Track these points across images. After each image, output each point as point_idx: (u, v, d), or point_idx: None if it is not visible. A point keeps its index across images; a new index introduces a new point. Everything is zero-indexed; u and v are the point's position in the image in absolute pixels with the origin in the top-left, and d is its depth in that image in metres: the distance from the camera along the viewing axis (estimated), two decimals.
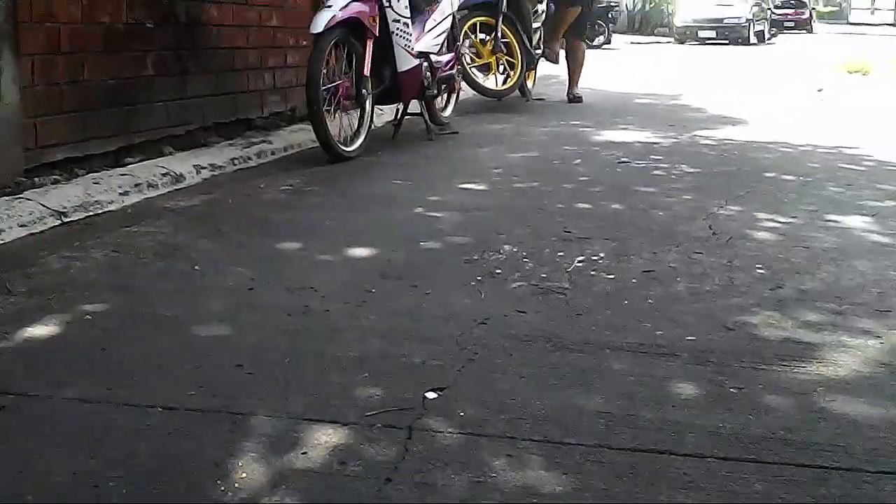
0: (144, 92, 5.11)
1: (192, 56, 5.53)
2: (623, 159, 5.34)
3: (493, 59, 8.04)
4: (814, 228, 3.71)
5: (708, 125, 7.10)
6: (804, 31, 39.91)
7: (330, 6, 5.03)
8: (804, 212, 3.99)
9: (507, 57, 8.12)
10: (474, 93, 8.02)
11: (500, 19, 7.95)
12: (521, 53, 8.11)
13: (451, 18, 6.35)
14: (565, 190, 4.44)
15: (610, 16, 26.27)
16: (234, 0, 5.99)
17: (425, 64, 5.91)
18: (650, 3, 35.49)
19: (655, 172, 4.96)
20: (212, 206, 4.03)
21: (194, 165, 4.68)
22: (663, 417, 1.99)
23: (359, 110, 5.37)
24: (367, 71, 5.26)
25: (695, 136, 6.47)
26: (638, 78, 12.51)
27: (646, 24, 35.01)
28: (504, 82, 8.13)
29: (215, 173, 4.76)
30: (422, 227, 3.67)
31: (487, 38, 8.07)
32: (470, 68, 7.84)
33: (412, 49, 5.62)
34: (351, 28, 5.18)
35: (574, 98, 8.78)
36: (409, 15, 5.54)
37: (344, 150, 5.16)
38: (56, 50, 4.44)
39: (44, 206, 3.65)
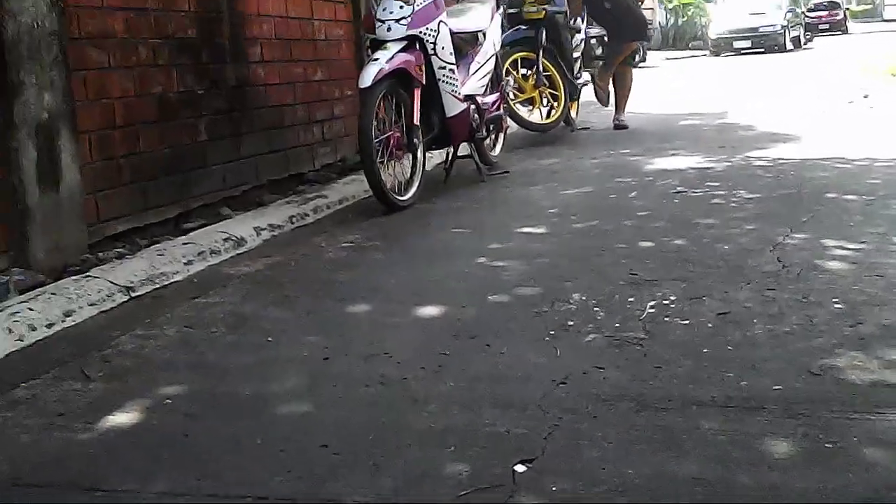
0: (199, 157, 5.17)
1: (243, 117, 5.60)
2: (679, 188, 5.30)
3: (536, 94, 8.05)
4: (885, 254, 3.64)
5: (758, 144, 7.03)
6: (839, 32, 39.58)
7: (377, 59, 5.07)
8: (873, 235, 3.92)
9: (549, 90, 8.12)
10: (520, 128, 8.01)
11: (541, 53, 7.96)
12: (563, 85, 8.11)
13: (494, 59, 6.36)
14: (626, 227, 4.40)
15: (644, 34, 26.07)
16: (280, 58, 6.06)
17: (472, 107, 5.92)
18: (683, 17, 35.38)
19: (714, 201, 4.91)
20: (276, 269, 4.05)
21: (254, 227, 4.71)
22: (761, 481, 1.95)
23: (411, 158, 5.39)
24: (416, 120, 5.29)
25: (747, 157, 6.41)
26: (678, 96, 12.47)
27: (680, 38, 34.92)
28: (548, 115, 8.12)
29: (275, 233, 4.79)
30: (487, 279, 3.66)
31: (529, 72, 8.08)
32: (514, 104, 7.84)
33: (459, 94, 5.63)
34: (398, 78, 5.20)
35: (619, 124, 8.75)
36: (454, 61, 5.56)
37: (398, 200, 5.17)
38: (112, 125, 4.51)
39: (112, 282, 3.69)
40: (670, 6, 35.24)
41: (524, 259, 3.90)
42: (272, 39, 5.99)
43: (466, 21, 6.08)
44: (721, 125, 8.63)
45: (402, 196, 5.23)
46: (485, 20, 6.26)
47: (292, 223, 5.01)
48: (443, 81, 5.50)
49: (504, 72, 7.58)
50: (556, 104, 8.14)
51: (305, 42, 6.42)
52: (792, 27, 30.41)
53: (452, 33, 5.77)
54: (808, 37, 34.57)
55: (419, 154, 5.40)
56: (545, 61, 8.02)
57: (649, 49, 28.82)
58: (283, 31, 6.14)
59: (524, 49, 7.99)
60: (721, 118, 9.21)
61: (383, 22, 5.28)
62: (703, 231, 4.21)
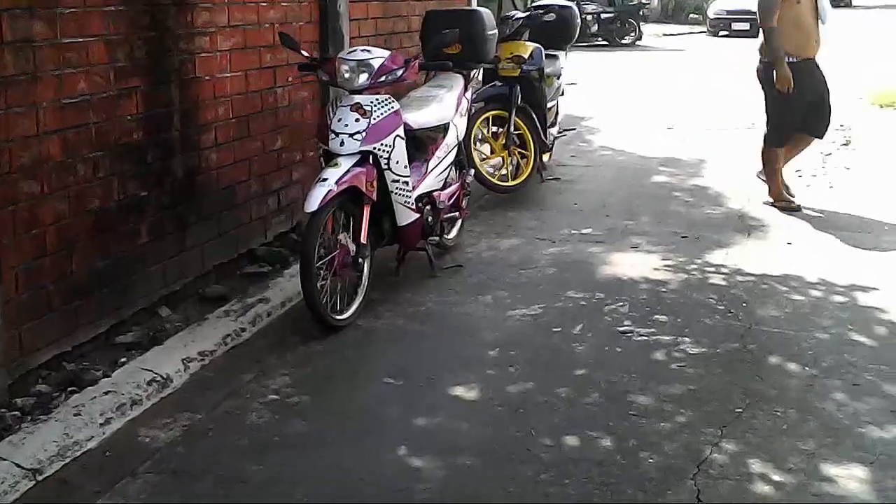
0: (138, 262, 5.07)
1: (190, 209, 5.48)
2: (625, 326, 5.20)
3: (505, 154, 7.91)
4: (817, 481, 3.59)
5: (722, 233, 6.97)
6: (843, 6, 39.04)
7: (325, 179, 4.94)
8: (802, 456, 3.86)
9: (519, 149, 7.99)
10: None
11: (513, 112, 7.81)
12: (533, 146, 7.98)
13: (457, 148, 6.21)
14: (558, 403, 4.31)
15: (641, 13, 25.88)
16: (236, 137, 5.92)
17: (428, 207, 5.81)
18: None
19: (655, 356, 4.84)
20: (191, 443, 3.96)
21: (182, 360, 4.62)
22: None
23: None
24: (363, 238, 5.16)
25: (705, 261, 6.32)
26: (661, 116, 12.34)
27: (679, 9, 34.47)
28: (516, 175, 7.99)
29: (206, 361, 4.70)
30: (395, 490, 3.59)
31: (501, 130, 7.94)
32: (481, 163, 7.71)
33: (412, 204, 5.50)
34: (349, 194, 5.08)
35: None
36: (407, 174, 5.42)
37: (336, 321, 5.09)
38: (42, 253, 4.39)
39: (17, 465, 3.60)
40: None
41: (443, 458, 3.82)
42: (229, 120, 5.84)
43: (429, 114, 5.91)
44: (692, 190, 8.50)
45: (341, 315, 5.14)
46: (449, 110, 6.10)
47: (226, 344, 4.92)
48: (395, 193, 5.38)
49: (475, 129, 7.47)
50: (524, 165, 8.00)
51: (266, 114, 6.27)
52: None
53: (412, 131, 5.64)
54: None
55: (365, 271, 5.29)
56: (517, 120, 7.88)
57: (646, 23, 28.52)
58: (242, 108, 5.99)
59: (498, 107, 7.84)
60: (695, 176, 9.07)
61: (337, 135, 5.13)
62: (634, 425, 4.12)
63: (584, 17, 25.48)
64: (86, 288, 4.67)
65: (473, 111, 7.61)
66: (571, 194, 8.29)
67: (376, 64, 5.25)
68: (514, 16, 8.21)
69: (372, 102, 5.20)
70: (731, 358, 4.83)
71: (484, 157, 7.95)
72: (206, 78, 5.60)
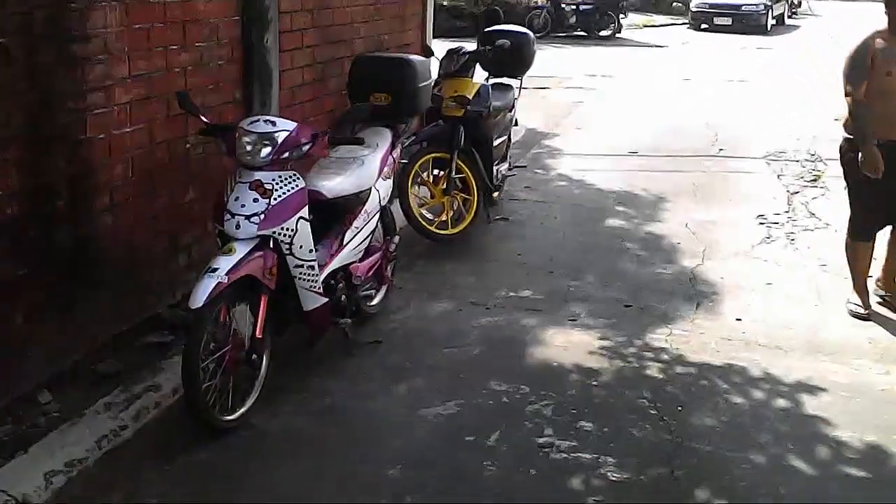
0: (14, 349, 4.58)
1: (82, 280, 5.02)
2: (546, 435, 4.75)
3: (446, 200, 7.42)
4: None
5: (670, 302, 6.56)
6: None
7: (215, 270, 4.43)
8: None
9: (461, 194, 7.51)
10: None
11: (455, 155, 7.32)
12: (476, 190, 7.51)
13: (379, 213, 5.72)
14: None
15: (621, 6, 25.39)
16: (137, 195, 5.42)
17: (342, 284, 5.33)
18: None
19: (571, 484, 4.39)
20: None
21: (45, 474, 4.13)
22: None
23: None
24: (259, 332, 4.67)
25: (646, 343, 5.88)
26: (627, 135, 11.86)
27: None
28: (457, 222, 7.50)
29: (72, 474, 4.22)
30: None
31: (442, 174, 7.45)
32: (418, 210, 7.23)
33: (318, 288, 5.01)
34: (244, 282, 4.58)
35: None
36: (313, 258, 4.91)
37: (224, 423, 4.62)
38: None
39: None
40: None
41: None
42: (129, 178, 5.34)
43: (347, 181, 5.40)
44: (646, 238, 8.04)
45: (230, 416, 4.65)
46: (371, 175, 5.59)
47: (101, 448, 4.44)
48: (299, 279, 4.89)
49: (412, 173, 6.98)
50: (467, 208, 7.52)
51: (176, 165, 5.77)
52: (776, 3, 29.56)
53: (327, 201, 5.15)
54: (793, 10, 33.82)
55: (263, 366, 4.81)
56: (460, 162, 7.39)
57: (630, 9, 27.99)
58: (146, 163, 5.49)
59: (439, 149, 7.34)
60: (651, 216, 8.62)
61: (233, 216, 4.62)
62: None
63: (562, 7, 25.15)
64: None
65: (415, 151, 7.13)
66: (517, 241, 7.82)
67: (280, 137, 4.73)
68: (460, 50, 7.69)
69: (274, 180, 4.70)
70: (655, 488, 4.39)
71: (423, 202, 7.45)
72: (101, 137, 5.09)
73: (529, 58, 8.72)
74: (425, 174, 7.42)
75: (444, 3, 21.61)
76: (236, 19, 6.26)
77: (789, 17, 32.44)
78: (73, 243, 4.96)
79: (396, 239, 6.12)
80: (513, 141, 9.05)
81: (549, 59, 11.99)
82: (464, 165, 7.40)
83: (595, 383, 5.37)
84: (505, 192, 8.79)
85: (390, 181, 5.89)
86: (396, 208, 6.69)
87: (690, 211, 8.84)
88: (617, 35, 25.45)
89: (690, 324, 6.24)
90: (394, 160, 5.98)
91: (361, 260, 5.57)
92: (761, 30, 27.56)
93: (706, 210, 8.87)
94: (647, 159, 10.97)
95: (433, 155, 7.33)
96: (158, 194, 5.64)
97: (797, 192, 9.67)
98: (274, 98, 6.57)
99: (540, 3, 25.17)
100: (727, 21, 27.55)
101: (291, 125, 4.81)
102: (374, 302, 5.99)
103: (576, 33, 25.13)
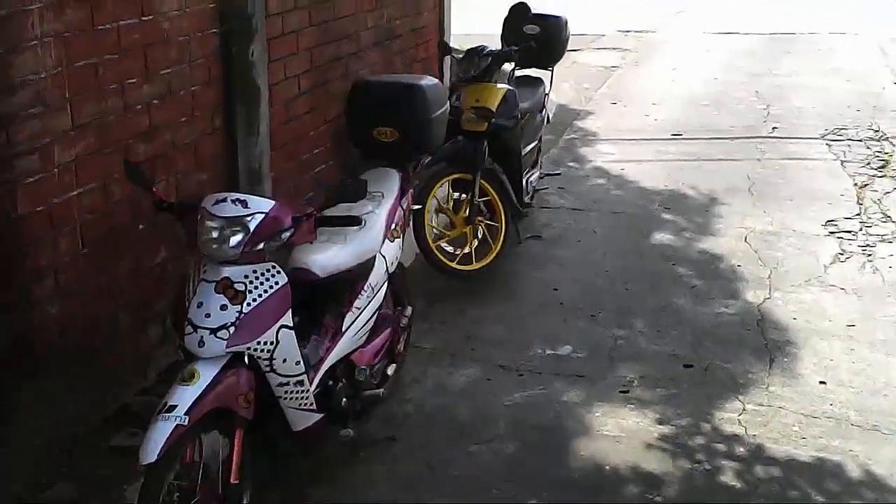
0: None
1: (21, 383, 4.08)
2: None
3: (468, 230, 6.33)
4: None
5: (737, 360, 5.53)
6: None
7: (172, 407, 3.39)
8: None
9: (486, 220, 6.43)
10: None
11: (478, 176, 6.22)
12: (504, 216, 6.41)
13: (385, 283, 4.65)
14: None
15: None
16: (91, 270, 4.42)
17: (341, 384, 4.30)
18: None
19: None
20: None
21: None
22: None
23: None
24: (234, 476, 3.65)
25: (715, 427, 4.89)
26: (668, 116, 10.66)
27: None
28: (482, 254, 6.42)
29: None
30: None
31: (464, 197, 6.36)
32: (435, 244, 6.15)
33: (310, 405, 3.99)
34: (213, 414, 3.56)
35: None
36: (301, 370, 3.86)
37: None
38: None
39: None
40: None
41: None
42: (78, 252, 4.31)
43: (345, 252, 4.29)
44: (701, 261, 6.96)
45: None
46: (376, 238, 4.50)
47: None
48: (284, 398, 3.86)
49: (430, 197, 5.92)
50: (494, 236, 6.45)
51: (142, 223, 4.73)
52: None
53: (319, 280, 4.11)
54: None
55: None
56: (485, 184, 6.29)
57: None
58: (101, 228, 4.47)
59: (459, 169, 6.24)
60: (704, 225, 7.54)
61: (195, 329, 3.55)
62: None
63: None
64: None
65: (431, 173, 6.05)
66: (551, 269, 6.74)
67: (253, 224, 3.59)
68: (482, 50, 6.52)
69: (247, 277, 3.60)
70: None
71: (441, 233, 6.36)
72: (38, 209, 4.06)
73: (562, 46, 7.58)
74: (443, 199, 6.32)
75: None
76: (213, 32, 5.17)
77: None
78: (9, 343, 3.97)
79: (409, 311, 5.03)
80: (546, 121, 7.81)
81: (575, 9, 10.68)
82: (489, 187, 6.31)
83: (659, 500, 4.34)
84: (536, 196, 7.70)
85: (400, 241, 4.80)
86: (409, 237, 5.62)
87: (748, 217, 7.74)
88: None
89: (766, 393, 5.19)
90: (404, 212, 4.87)
91: (366, 343, 4.52)
92: None
93: (766, 215, 7.77)
94: (694, 144, 9.80)
95: (452, 176, 6.23)
96: (120, 260, 4.62)
97: (866, 185, 8.52)
98: (263, 120, 5.50)
99: None
100: None
101: (267, 205, 3.68)
102: (384, 387, 4.86)
103: None
